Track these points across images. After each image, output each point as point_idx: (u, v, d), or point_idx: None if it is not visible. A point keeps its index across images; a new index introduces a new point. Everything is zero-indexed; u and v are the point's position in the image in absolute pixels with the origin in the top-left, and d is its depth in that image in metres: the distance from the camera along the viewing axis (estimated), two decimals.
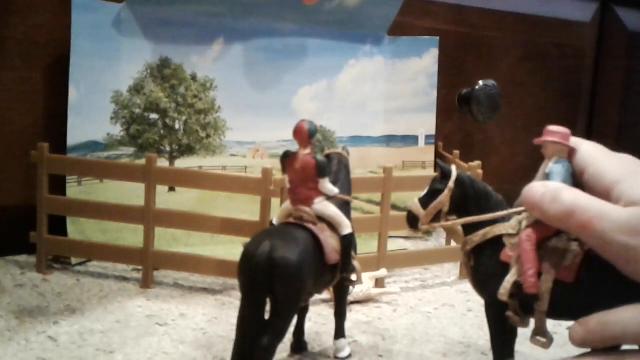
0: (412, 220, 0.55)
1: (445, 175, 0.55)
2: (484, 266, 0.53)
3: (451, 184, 0.54)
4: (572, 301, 0.48)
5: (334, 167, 0.60)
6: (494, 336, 0.54)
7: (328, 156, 0.60)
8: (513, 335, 0.54)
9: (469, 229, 0.54)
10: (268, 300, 0.50)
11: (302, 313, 0.62)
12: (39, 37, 0.85)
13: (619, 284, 0.46)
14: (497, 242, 0.52)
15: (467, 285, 0.86)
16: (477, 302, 0.80)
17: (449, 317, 0.75)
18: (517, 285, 0.50)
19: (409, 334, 0.70)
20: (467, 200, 0.54)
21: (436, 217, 0.55)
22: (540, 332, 0.50)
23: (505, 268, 0.51)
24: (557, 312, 0.49)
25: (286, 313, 0.50)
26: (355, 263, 0.57)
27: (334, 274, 0.56)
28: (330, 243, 0.54)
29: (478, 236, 0.53)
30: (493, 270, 0.52)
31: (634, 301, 0.44)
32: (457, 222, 0.55)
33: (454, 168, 0.55)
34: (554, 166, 0.49)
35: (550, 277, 0.49)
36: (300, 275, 0.49)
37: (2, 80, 0.84)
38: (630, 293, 0.45)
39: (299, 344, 0.63)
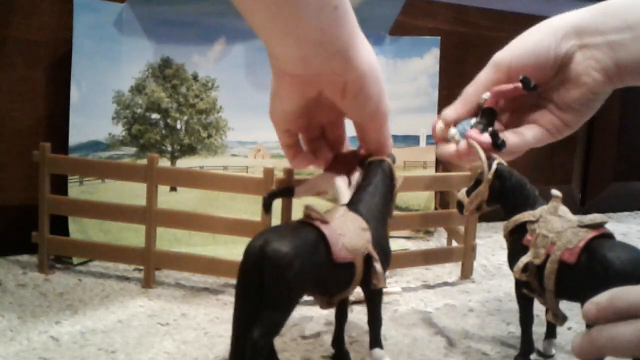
0: (459, 206, 0.64)
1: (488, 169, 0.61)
2: (511, 249, 0.61)
3: (489, 176, 0.60)
4: (572, 282, 0.54)
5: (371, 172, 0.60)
6: (522, 315, 0.62)
7: (370, 163, 0.60)
8: (530, 318, 0.62)
9: (506, 215, 0.61)
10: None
11: (340, 322, 0.61)
12: (41, 37, 0.85)
13: (613, 268, 0.51)
14: (523, 228, 0.59)
15: (469, 285, 0.87)
16: (479, 302, 0.80)
17: (450, 317, 0.75)
18: (532, 267, 0.57)
19: (410, 333, 0.70)
20: (505, 190, 0.60)
21: (479, 206, 0.62)
22: (552, 311, 0.57)
23: (526, 251, 0.58)
24: (561, 292, 0.55)
25: (277, 306, 0.48)
26: (377, 265, 0.55)
27: (350, 273, 0.54)
28: (341, 240, 0.52)
29: (511, 222, 0.60)
30: (518, 252, 0.58)
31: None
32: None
33: (495, 162, 0.60)
34: None
35: (555, 259, 0.54)
36: (291, 267, 0.48)
37: (4, 80, 0.84)
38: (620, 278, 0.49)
39: (340, 354, 0.61)
